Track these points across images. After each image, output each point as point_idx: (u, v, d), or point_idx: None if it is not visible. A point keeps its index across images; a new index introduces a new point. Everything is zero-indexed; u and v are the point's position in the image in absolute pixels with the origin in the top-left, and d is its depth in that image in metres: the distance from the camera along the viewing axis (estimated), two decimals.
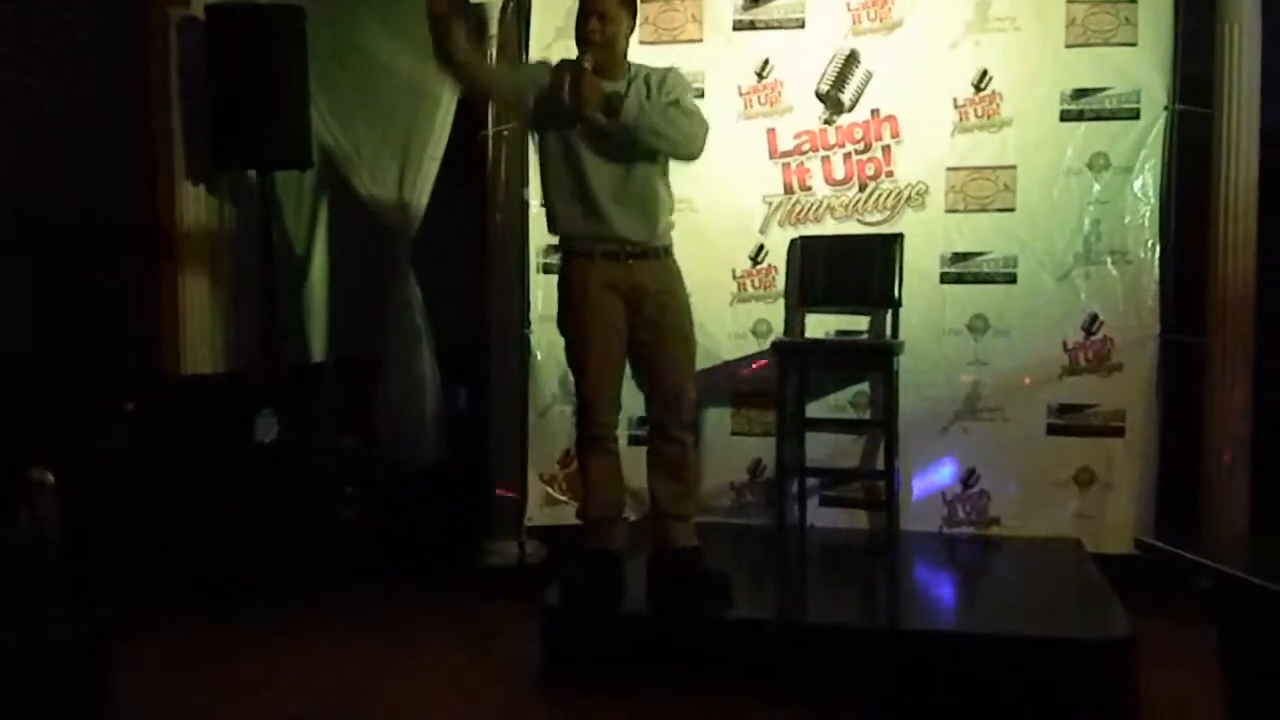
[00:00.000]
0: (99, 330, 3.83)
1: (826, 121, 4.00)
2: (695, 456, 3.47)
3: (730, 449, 4.13)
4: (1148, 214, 3.83)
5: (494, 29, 4.12)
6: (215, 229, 4.21)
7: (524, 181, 4.14)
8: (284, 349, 4.15)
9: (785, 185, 4.05)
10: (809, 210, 4.04)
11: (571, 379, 4.10)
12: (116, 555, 3.45)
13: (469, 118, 4.24)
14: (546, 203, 3.32)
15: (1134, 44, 3.79)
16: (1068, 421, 3.89)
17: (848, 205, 4.01)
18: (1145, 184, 3.83)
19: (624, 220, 3.20)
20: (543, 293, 4.17)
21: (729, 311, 4.12)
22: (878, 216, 3.99)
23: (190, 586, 3.64)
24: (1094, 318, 3.86)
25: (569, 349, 3.33)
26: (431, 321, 4.35)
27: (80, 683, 2.34)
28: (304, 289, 4.61)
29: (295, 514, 3.92)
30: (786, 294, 4.06)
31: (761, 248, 4.08)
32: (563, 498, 4.17)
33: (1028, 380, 3.90)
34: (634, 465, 3.94)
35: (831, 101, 3.98)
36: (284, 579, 3.82)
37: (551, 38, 4.10)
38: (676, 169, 4.04)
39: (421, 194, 4.28)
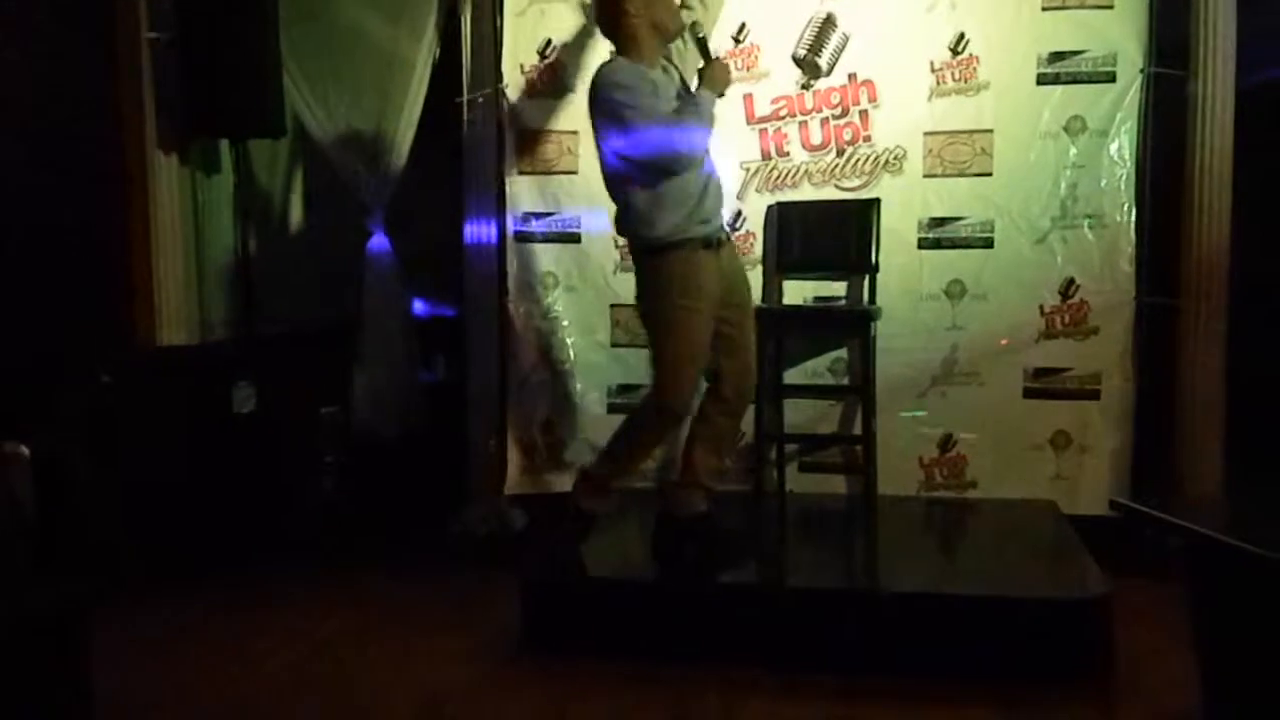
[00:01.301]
0: (73, 301, 3.80)
1: (804, 86, 3.98)
2: None
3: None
4: (1124, 177, 3.83)
5: None
6: (189, 199, 4.17)
7: (500, 149, 4.11)
8: (260, 319, 4.12)
9: (763, 151, 4.03)
10: (786, 176, 4.03)
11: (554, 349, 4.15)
12: (93, 527, 3.44)
13: (446, 84, 4.21)
14: (641, 200, 3.23)
15: (1110, 6, 3.77)
16: (1044, 385, 3.90)
17: (825, 171, 4.00)
18: (1121, 147, 3.82)
19: (721, 205, 3.36)
20: (518, 260, 4.16)
21: None
22: (855, 182, 3.98)
23: (169, 557, 3.63)
24: (1070, 281, 3.87)
25: (674, 338, 3.27)
26: (409, 290, 4.33)
27: (57, 652, 2.34)
28: (281, 259, 4.57)
29: (275, 484, 3.92)
30: (764, 260, 4.05)
31: (739, 214, 4.06)
32: (543, 465, 4.18)
33: (1004, 343, 3.91)
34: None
35: (809, 66, 3.95)
36: (264, 548, 3.82)
37: (526, 2, 4.06)
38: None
39: (397, 161, 4.26)
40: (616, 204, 3.34)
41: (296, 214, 4.65)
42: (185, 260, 4.12)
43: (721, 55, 3.29)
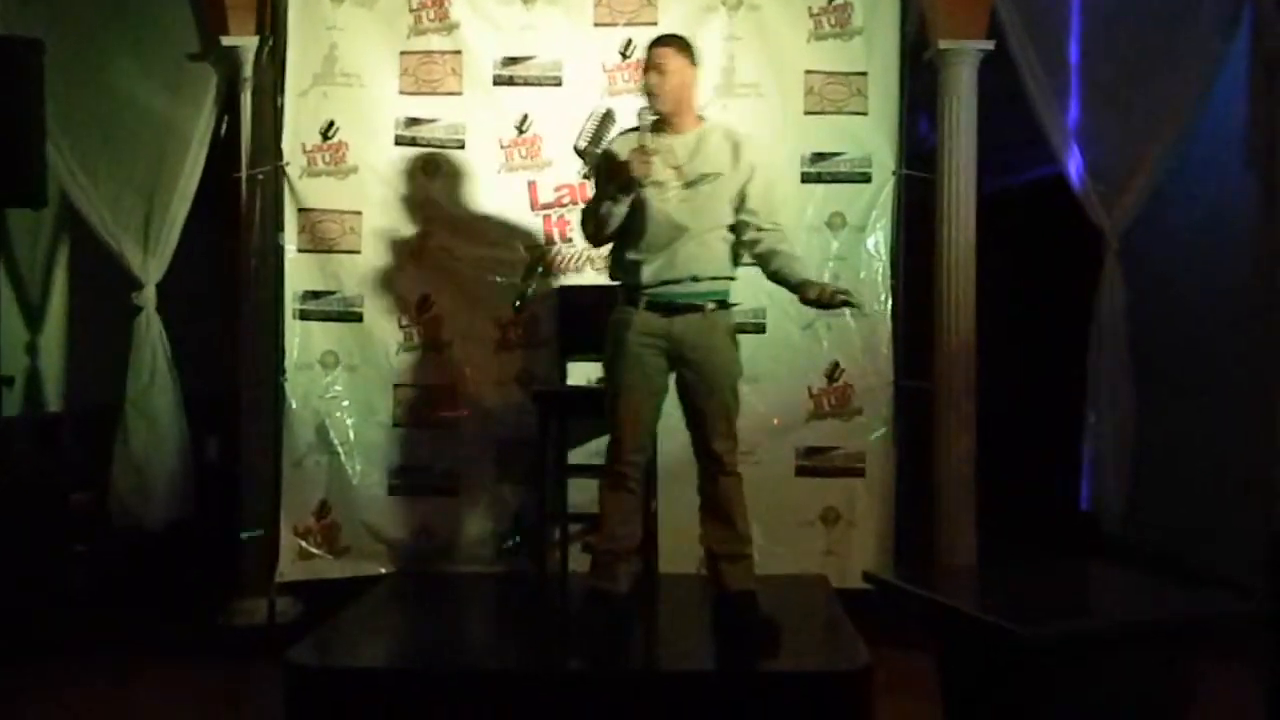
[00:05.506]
0: None
1: (585, 176, 4.09)
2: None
3: (493, 497, 4.12)
4: (880, 270, 4.11)
5: (248, 72, 4.03)
6: None
7: (279, 225, 4.04)
8: (8, 399, 3.84)
9: (546, 236, 4.12)
10: (569, 261, 4.12)
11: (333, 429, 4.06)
12: None
13: (223, 158, 4.12)
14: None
15: (865, 113, 4.09)
16: (814, 464, 4.09)
17: (607, 256, 4.10)
18: (878, 242, 4.11)
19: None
20: (299, 339, 4.06)
21: (493, 360, 4.13)
22: None
23: None
24: (836, 365, 4.09)
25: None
26: (180, 369, 4.15)
27: None
28: (39, 335, 4.30)
29: (16, 577, 3.63)
30: (548, 342, 4.10)
31: (524, 295, 4.12)
32: (317, 551, 4.04)
33: (776, 423, 4.08)
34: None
35: (589, 157, 4.07)
36: (6, 644, 3.51)
37: (308, 83, 4.05)
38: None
39: (169, 237, 4.13)
40: None
41: (61, 289, 4.40)
42: None
43: (647, 148, 3.12)
